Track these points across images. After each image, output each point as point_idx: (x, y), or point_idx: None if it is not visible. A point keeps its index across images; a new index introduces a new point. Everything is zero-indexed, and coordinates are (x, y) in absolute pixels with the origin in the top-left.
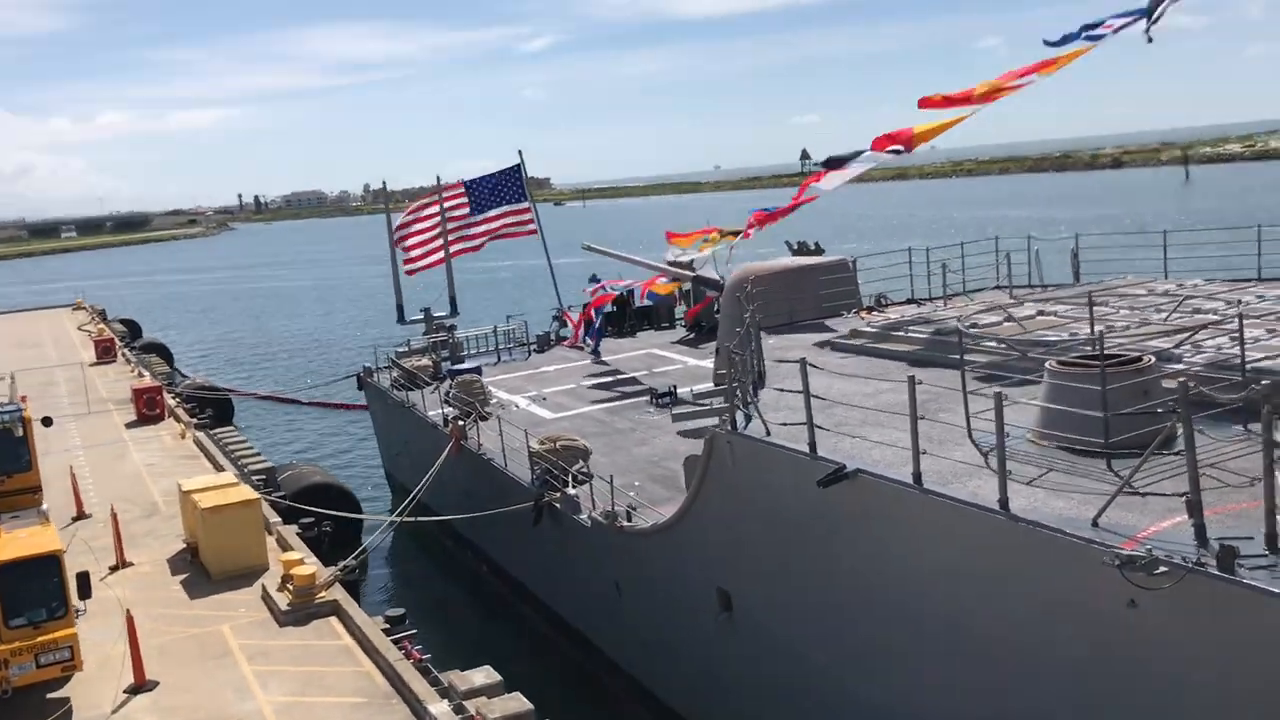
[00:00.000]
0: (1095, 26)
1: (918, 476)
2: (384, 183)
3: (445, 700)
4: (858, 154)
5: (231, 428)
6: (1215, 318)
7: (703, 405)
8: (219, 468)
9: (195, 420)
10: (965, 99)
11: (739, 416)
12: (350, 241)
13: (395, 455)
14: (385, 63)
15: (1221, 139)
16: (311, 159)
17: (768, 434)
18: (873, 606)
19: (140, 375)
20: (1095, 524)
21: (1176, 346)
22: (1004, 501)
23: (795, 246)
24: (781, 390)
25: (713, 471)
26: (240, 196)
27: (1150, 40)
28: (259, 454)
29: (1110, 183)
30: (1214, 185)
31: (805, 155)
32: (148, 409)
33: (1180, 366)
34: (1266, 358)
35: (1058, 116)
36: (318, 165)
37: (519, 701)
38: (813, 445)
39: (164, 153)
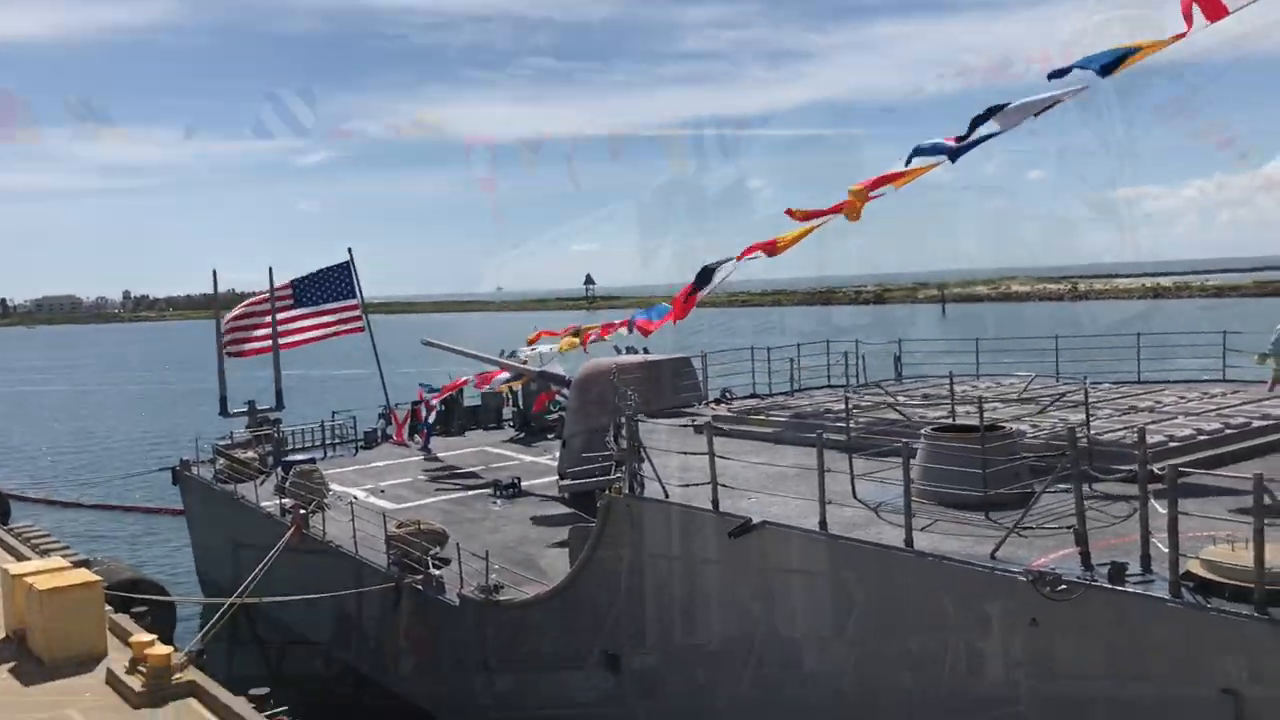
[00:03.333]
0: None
1: (823, 523)
2: (214, 272)
3: None
4: (725, 260)
5: (28, 523)
6: (1070, 387)
7: (594, 478)
8: (23, 559)
9: None
10: (830, 211)
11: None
12: (114, 346)
13: (213, 553)
14: (159, 168)
15: (970, 281)
16: (67, 263)
17: (666, 496)
18: (780, 652)
19: None
20: (994, 556)
21: (1038, 414)
22: (909, 541)
23: (624, 352)
24: (685, 453)
25: (608, 535)
26: None
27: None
28: (67, 547)
29: (877, 315)
30: (967, 319)
31: (589, 280)
32: None
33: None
34: (1097, 433)
35: (823, 256)
36: (73, 270)
37: None
38: (716, 502)
39: None
